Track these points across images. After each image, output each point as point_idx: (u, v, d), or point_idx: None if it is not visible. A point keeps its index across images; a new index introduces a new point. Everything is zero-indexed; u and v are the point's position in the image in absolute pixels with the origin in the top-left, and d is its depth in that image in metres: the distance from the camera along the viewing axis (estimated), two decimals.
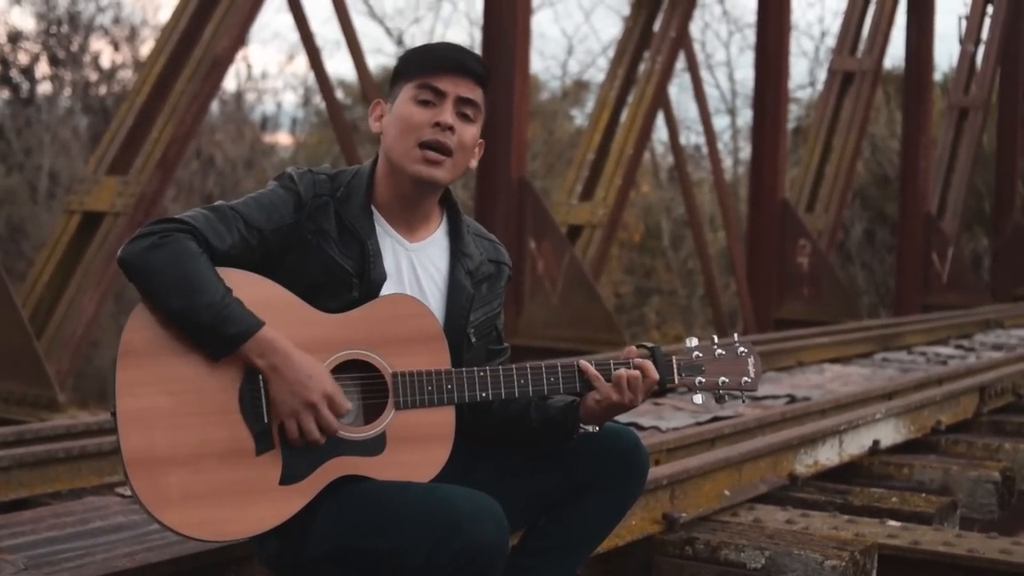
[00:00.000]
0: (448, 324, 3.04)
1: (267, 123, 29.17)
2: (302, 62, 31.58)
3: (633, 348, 3.11)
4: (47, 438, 5.30)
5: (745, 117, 31.85)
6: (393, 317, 2.94)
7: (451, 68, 3.01)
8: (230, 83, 27.34)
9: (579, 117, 32.67)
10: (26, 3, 23.42)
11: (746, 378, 3.15)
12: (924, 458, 5.88)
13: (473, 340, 3.10)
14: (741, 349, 3.17)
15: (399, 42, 30.08)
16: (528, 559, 3.14)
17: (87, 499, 4.42)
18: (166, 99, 9.75)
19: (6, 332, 8.15)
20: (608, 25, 52.49)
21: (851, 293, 18.27)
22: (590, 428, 3.09)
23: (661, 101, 14.24)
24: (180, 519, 2.75)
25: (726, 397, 3.15)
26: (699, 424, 6.03)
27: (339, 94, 24.35)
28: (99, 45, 25.59)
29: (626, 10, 19.34)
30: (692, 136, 31.43)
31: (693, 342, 3.17)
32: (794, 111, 30.88)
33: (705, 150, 22.80)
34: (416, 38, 30.34)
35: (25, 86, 23.61)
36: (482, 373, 2.97)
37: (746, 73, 45.10)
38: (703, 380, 3.13)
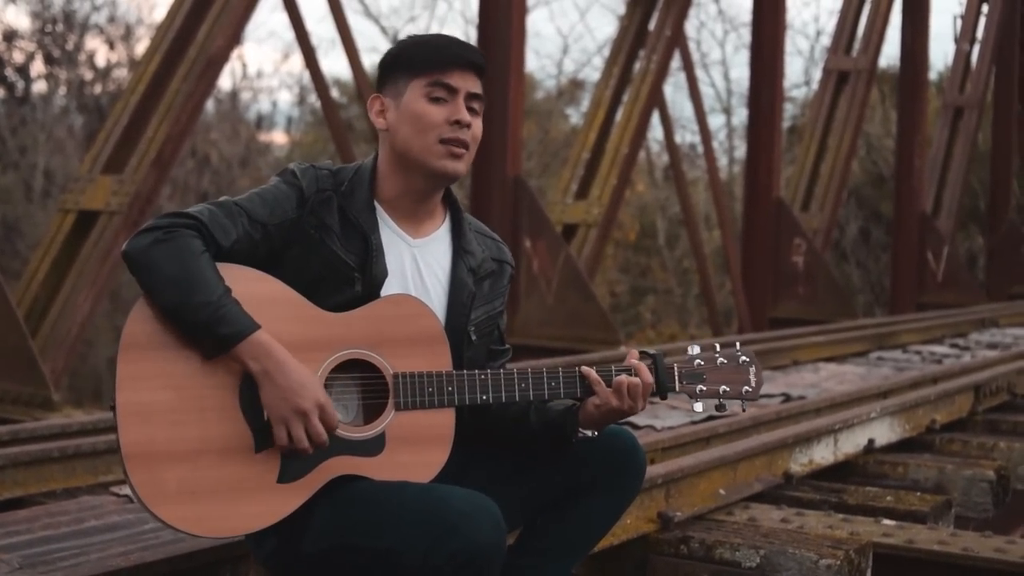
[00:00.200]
0: (449, 321, 3.04)
1: (262, 122, 29.19)
2: (297, 61, 31.68)
3: (635, 352, 3.11)
4: (42, 437, 5.29)
5: (740, 116, 31.92)
6: (395, 317, 2.93)
7: (460, 64, 3.03)
8: (225, 82, 27.39)
9: (574, 116, 32.72)
10: (21, 1, 23.45)
11: (747, 387, 3.15)
12: (919, 457, 5.88)
13: (474, 338, 3.09)
14: (743, 358, 3.16)
15: (394, 41, 30.05)
16: (525, 559, 3.14)
17: (82, 498, 4.42)
18: (161, 98, 9.75)
19: (1, 331, 8.14)
20: (603, 24, 52.69)
21: (846, 292, 18.27)
22: (589, 433, 3.08)
23: (656, 100, 14.23)
24: (177, 514, 2.75)
25: (726, 406, 3.15)
26: (694, 423, 6.03)
27: (334, 93, 24.32)
28: (94, 44, 25.65)
29: (621, 9, 19.34)
30: (687, 135, 31.46)
31: (695, 349, 3.16)
32: (789, 110, 30.91)
33: (700, 149, 22.79)
34: None
35: (20, 85, 23.61)
36: (483, 376, 2.97)
37: (741, 72, 45.02)
38: (704, 388, 3.12)
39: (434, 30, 30.32)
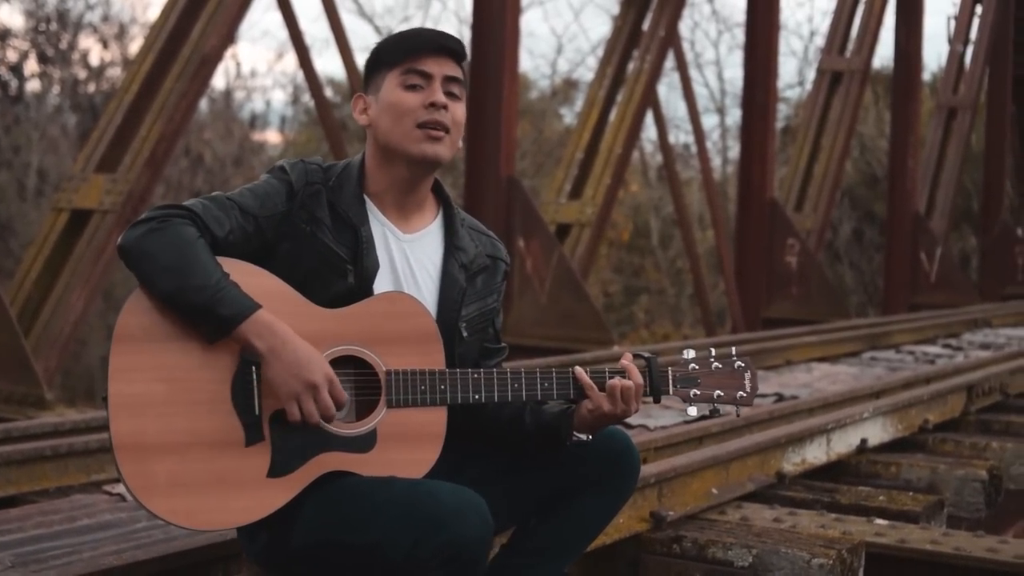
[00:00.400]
0: (440, 317, 3.03)
1: (256, 121, 29.16)
2: (291, 60, 31.53)
3: (629, 355, 3.10)
4: (34, 436, 5.28)
5: (734, 116, 31.92)
6: (390, 314, 2.93)
7: (433, 49, 3.04)
8: (219, 81, 27.36)
9: (568, 116, 32.75)
10: (15, 0, 23.37)
11: (742, 392, 3.14)
12: (911, 457, 5.89)
13: (465, 335, 3.09)
14: (738, 363, 3.16)
15: None
16: (518, 559, 3.14)
17: (74, 497, 4.42)
18: (155, 97, 9.74)
19: None
20: (597, 24, 52.61)
21: (839, 292, 18.31)
22: (583, 437, 3.08)
23: (650, 100, 14.25)
24: (166, 506, 2.75)
25: (720, 411, 3.14)
26: (687, 423, 6.03)
27: (328, 92, 24.31)
28: (88, 43, 25.64)
29: (615, 9, 19.36)
30: (681, 135, 31.55)
31: (690, 354, 3.15)
32: (783, 110, 30.97)
33: (694, 149, 22.85)
34: None
35: (14, 83, 23.57)
36: (476, 375, 2.96)
37: (735, 72, 45.04)
38: (698, 392, 3.12)
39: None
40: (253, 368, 2.81)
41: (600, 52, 17.62)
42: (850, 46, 18.94)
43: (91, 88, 24.29)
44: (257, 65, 34.12)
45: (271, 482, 2.81)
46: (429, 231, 3.13)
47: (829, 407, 6.43)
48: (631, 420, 6.16)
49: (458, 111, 3.06)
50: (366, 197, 3.06)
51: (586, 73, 31.88)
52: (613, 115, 13.74)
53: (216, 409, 2.79)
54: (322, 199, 3.00)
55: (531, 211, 11.70)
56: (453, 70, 3.05)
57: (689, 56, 28.81)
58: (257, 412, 2.81)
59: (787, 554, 4.02)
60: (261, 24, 54.17)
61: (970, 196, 28.19)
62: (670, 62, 15.45)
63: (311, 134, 27.99)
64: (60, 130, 22.83)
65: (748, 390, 3.15)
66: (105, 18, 25.02)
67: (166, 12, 10.03)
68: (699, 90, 31.55)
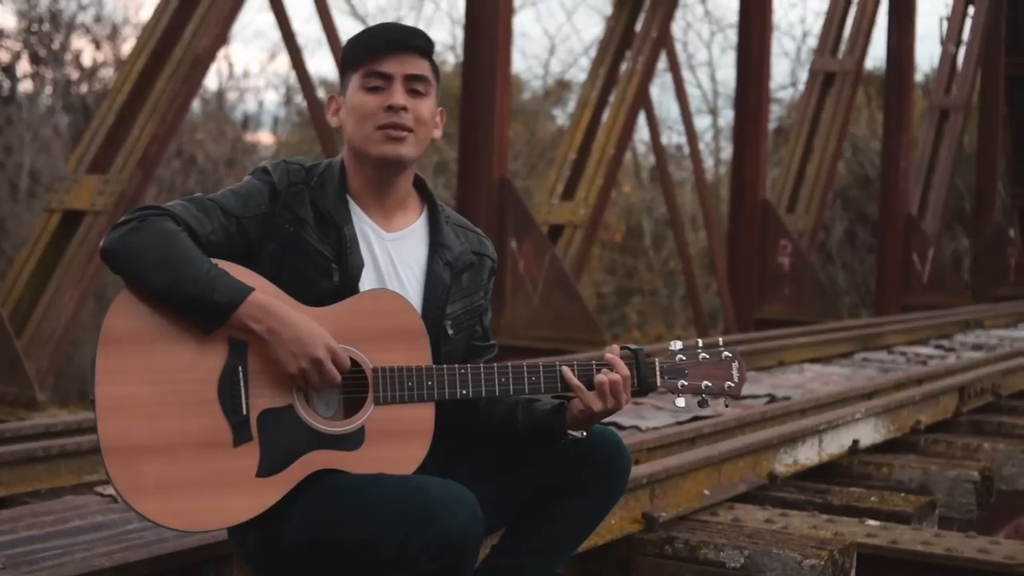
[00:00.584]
0: (425, 315, 3.03)
1: (249, 122, 29.15)
2: (284, 61, 31.60)
3: (615, 348, 3.10)
4: (26, 437, 5.28)
5: (727, 117, 31.92)
6: (375, 312, 2.94)
7: (393, 49, 3.03)
8: (212, 82, 27.33)
9: (561, 117, 32.73)
10: (7, 1, 23.34)
11: (729, 383, 3.13)
12: (903, 458, 5.89)
13: (450, 333, 3.09)
14: (725, 353, 3.15)
15: None
16: (509, 559, 3.14)
17: (66, 498, 4.42)
18: (147, 97, 9.74)
19: None
20: (590, 25, 52.72)
21: (832, 293, 18.30)
22: (577, 434, 3.08)
23: (643, 101, 14.25)
24: (156, 508, 2.75)
25: (708, 401, 3.14)
26: (679, 424, 6.03)
27: (320, 93, 24.26)
28: (80, 43, 25.53)
29: (608, 10, 19.36)
30: (674, 136, 31.49)
31: (677, 345, 3.14)
32: (775, 111, 30.95)
33: (687, 150, 22.82)
34: None
35: (6, 84, 23.54)
36: (463, 370, 2.97)
37: (728, 73, 45.07)
38: (685, 384, 3.11)
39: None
40: (240, 368, 2.81)
41: (593, 53, 17.61)
42: (843, 47, 18.96)
43: (83, 89, 24.25)
44: (250, 66, 33.99)
45: (260, 482, 2.81)
46: (413, 229, 3.13)
47: (821, 408, 6.43)
48: (623, 421, 6.16)
49: (421, 108, 3.05)
50: (348, 197, 3.07)
51: (579, 74, 31.84)
52: (606, 116, 13.75)
53: (203, 410, 2.79)
54: (305, 199, 3.00)
55: (523, 212, 11.70)
56: (415, 67, 3.04)
57: (682, 57, 28.89)
58: (245, 412, 2.81)
59: (779, 555, 4.03)
60: (254, 25, 54.14)
61: (962, 197, 28.23)
62: (663, 63, 15.48)
63: (304, 135, 27.96)
64: (52, 131, 22.80)
65: (736, 380, 3.14)
66: (97, 19, 25.01)
67: (158, 13, 10.03)
68: (692, 91, 31.62)
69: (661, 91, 30.07)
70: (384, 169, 3.05)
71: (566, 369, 3.04)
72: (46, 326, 9.07)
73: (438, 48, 3.15)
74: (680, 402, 3.12)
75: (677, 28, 29.93)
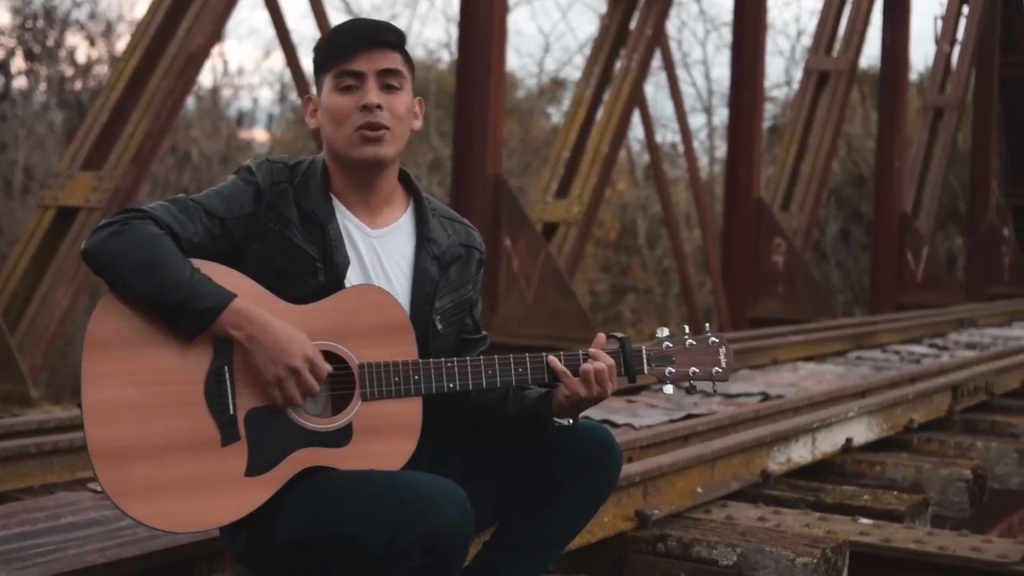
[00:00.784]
0: (413, 311, 3.03)
1: (243, 119, 29.09)
2: (278, 58, 31.48)
3: (602, 336, 3.09)
4: (19, 433, 5.28)
5: (721, 116, 31.87)
6: (360, 308, 2.93)
7: (361, 46, 3.01)
8: (206, 79, 27.27)
9: (555, 115, 32.71)
10: None
11: (717, 368, 3.12)
12: (896, 456, 5.90)
13: (439, 327, 3.08)
14: (712, 339, 3.14)
15: None
16: (500, 555, 3.14)
17: (59, 494, 4.41)
18: (141, 94, 9.74)
19: None
20: (585, 23, 52.60)
21: (826, 292, 18.32)
22: (564, 421, 3.08)
23: (637, 99, 14.26)
24: (146, 510, 2.75)
25: (697, 388, 3.13)
26: (672, 421, 6.04)
27: (315, 90, 24.24)
28: (75, 40, 25.54)
29: (603, 8, 19.34)
30: (668, 134, 31.49)
31: (664, 332, 3.13)
32: (770, 110, 30.98)
33: (681, 148, 22.84)
34: None
35: (0, 81, 23.51)
36: (449, 364, 2.96)
37: (722, 72, 45.03)
38: (673, 371, 3.10)
39: (415, 28, 30.37)
40: (226, 368, 2.81)
41: (587, 51, 17.62)
42: (837, 46, 18.97)
43: (78, 85, 24.22)
44: (244, 63, 34.04)
45: (249, 481, 2.81)
46: (399, 225, 3.12)
47: (814, 406, 6.44)
48: (617, 419, 6.17)
49: (396, 104, 3.03)
50: (332, 195, 3.06)
51: (573, 72, 31.86)
52: (600, 114, 13.75)
53: (190, 411, 2.79)
54: (289, 198, 2.99)
55: (518, 210, 11.70)
56: (387, 61, 3.02)
57: (676, 55, 28.85)
58: (232, 412, 2.81)
59: (772, 553, 4.03)
60: (248, 22, 54.15)
61: (957, 196, 28.24)
62: (657, 61, 15.45)
63: (298, 132, 27.93)
64: (47, 127, 22.76)
65: (724, 365, 3.13)
66: (92, 15, 24.96)
67: (152, 9, 10.03)
68: (686, 89, 31.59)
69: (656, 89, 30.01)
70: (365, 170, 3.04)
71: (552, 357, 3.03)
72: (40, 322, 9.07)
73: (432, 46, 3.17)
74: (668, 389, 3.11)
75: (672, 26, 29.99)
